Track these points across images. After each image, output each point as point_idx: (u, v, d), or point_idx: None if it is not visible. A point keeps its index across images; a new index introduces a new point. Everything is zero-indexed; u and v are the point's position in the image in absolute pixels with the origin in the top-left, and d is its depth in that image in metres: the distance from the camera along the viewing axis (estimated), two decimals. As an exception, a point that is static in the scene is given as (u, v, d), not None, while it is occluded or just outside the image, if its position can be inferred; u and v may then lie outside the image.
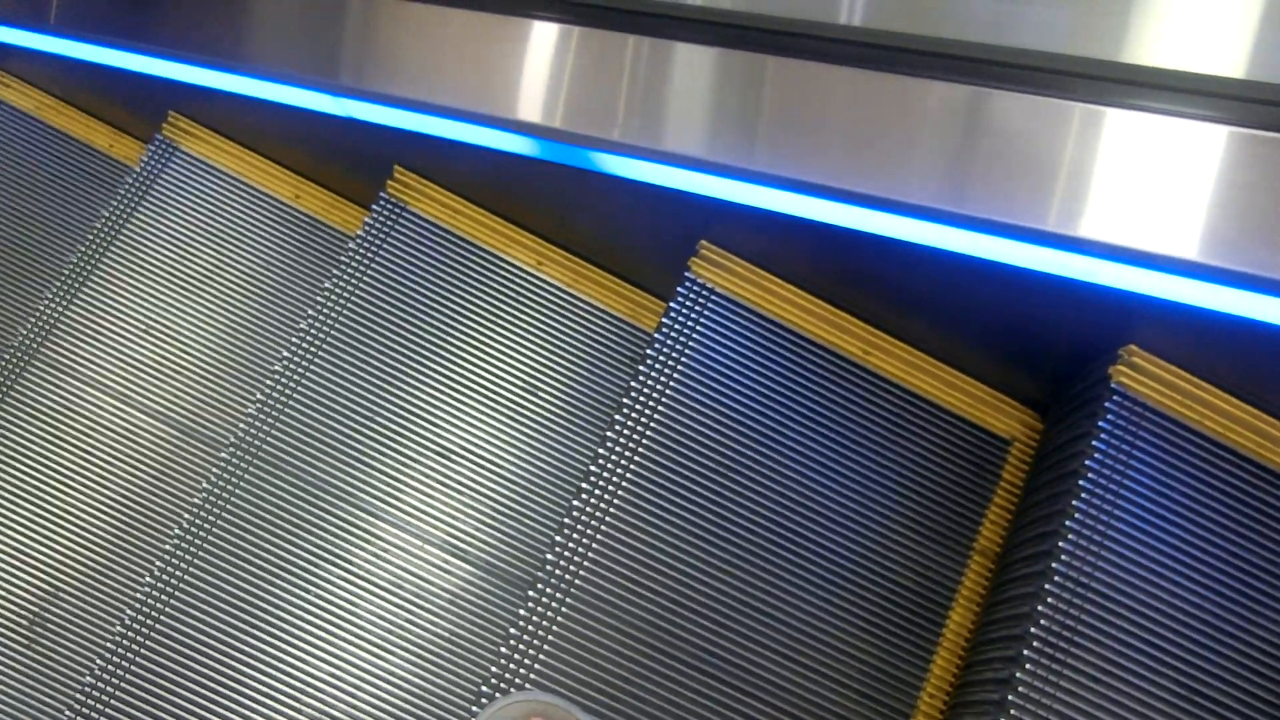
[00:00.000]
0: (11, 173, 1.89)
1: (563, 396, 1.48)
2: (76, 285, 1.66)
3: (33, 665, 1.51)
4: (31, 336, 1.64)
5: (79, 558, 1.55)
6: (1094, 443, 1.11)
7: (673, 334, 1.31)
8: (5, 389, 1.62)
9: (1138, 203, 0.87)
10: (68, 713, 1.32)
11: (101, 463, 1.59)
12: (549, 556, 1.24)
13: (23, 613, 1.53)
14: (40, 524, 1.56)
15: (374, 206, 1.52)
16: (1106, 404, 1.11)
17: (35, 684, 1.50)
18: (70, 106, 1.96)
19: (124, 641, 1.34)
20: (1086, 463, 1.10)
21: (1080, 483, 1.09)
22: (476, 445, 1.45)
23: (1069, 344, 1.21)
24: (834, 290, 1.34)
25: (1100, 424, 1.11)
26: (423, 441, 1.44)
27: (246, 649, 1.35)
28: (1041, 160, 0.89)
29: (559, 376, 1.48)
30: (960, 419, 1.34)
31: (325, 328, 1.47)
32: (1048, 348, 1.24)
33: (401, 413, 1.45)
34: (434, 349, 1.48)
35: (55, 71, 1.89)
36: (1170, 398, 1.12)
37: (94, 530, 1.56)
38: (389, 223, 1.51)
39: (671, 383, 1.30)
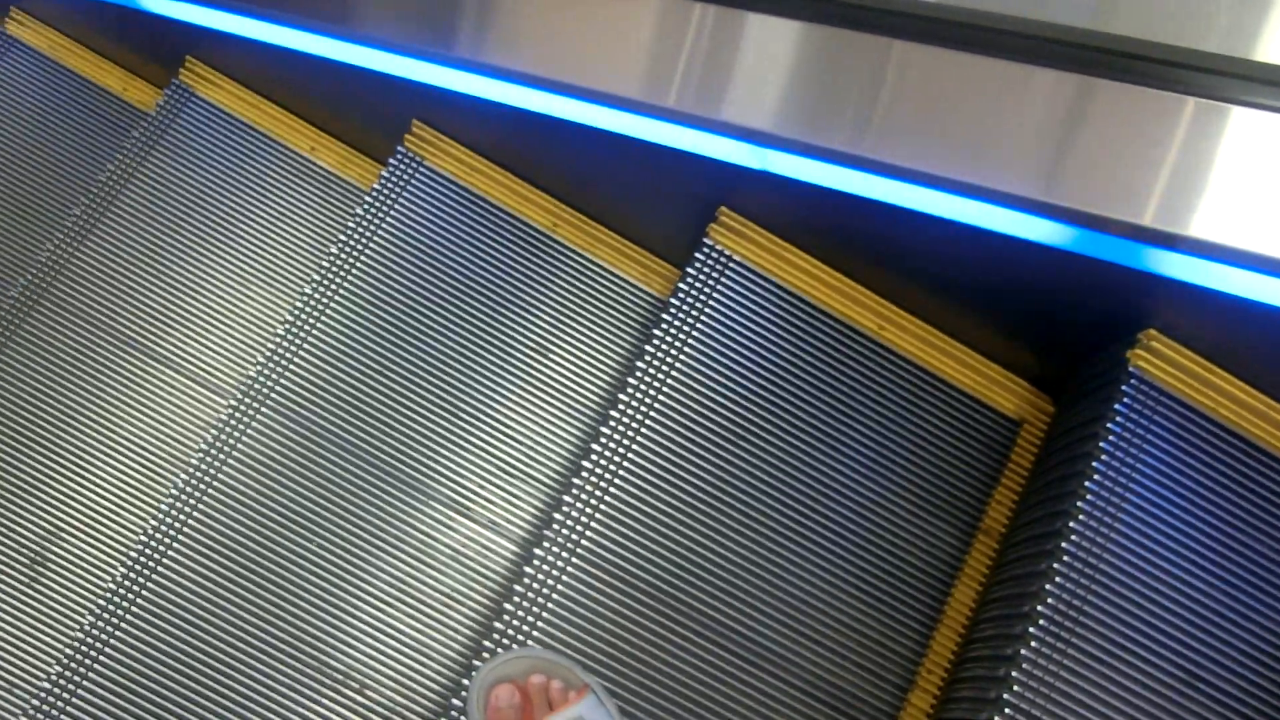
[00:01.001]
0: (24, 113, 1.87)
1: (574, 358, 1.47)
2: (87, 228, 1.65)
3: (33, 603, 1.51)
4: (40, 277, 1.63)
5: (83, 499, 1.55)
6: (1108, 425, 1.10)
7: (689, 300, 1.31)
8: (13, 329, 1.61)
9: (1168, 184, 0.87)
10: (68, 652, 1.32)
11: (107, 406, 1.58)
12: (556, 516, 1.24)
13: (24, 550, 1.53)
14: (44, 463, 1.56)
15: (391, 160, 1.50)
16: (1123, 387, 1.11)
17: (35, 622, 1.50)
18: (84, 47, 1.94)
19: (125, 584, 1.34)
20: (1101, 444, 1.09)
21: (1093, 464, 1.09)
22: (485, 403, 1.44)
23: (1086, 327, 1.21)
24: (850, 263, 1.33)
25: (1116, 407, 1.11)
26: (430, 397, 1.44)
27: (246, 598, 1.35)
28: (1072, 141, 0.89)
29: (570, 338, 1.48)
30: (971, 398, 1.33)
31: (337, 280, 1.46)
32: (1064, 330, 1.24)
33: (410, 368, 1.44)
34: (445, 306, 1.47)
35: (70, 10, 1.87)
36: (1188, 384, 1.12)
37: (98, 472, 1.56)
38: (405, 177, 1.50)
39: (685, 349, 1.29)
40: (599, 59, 1.09)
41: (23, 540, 1.53)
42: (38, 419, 1.58)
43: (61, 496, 1.55)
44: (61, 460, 1.56)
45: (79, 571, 1.53)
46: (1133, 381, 1.12)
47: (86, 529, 1.54)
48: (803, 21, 0.96)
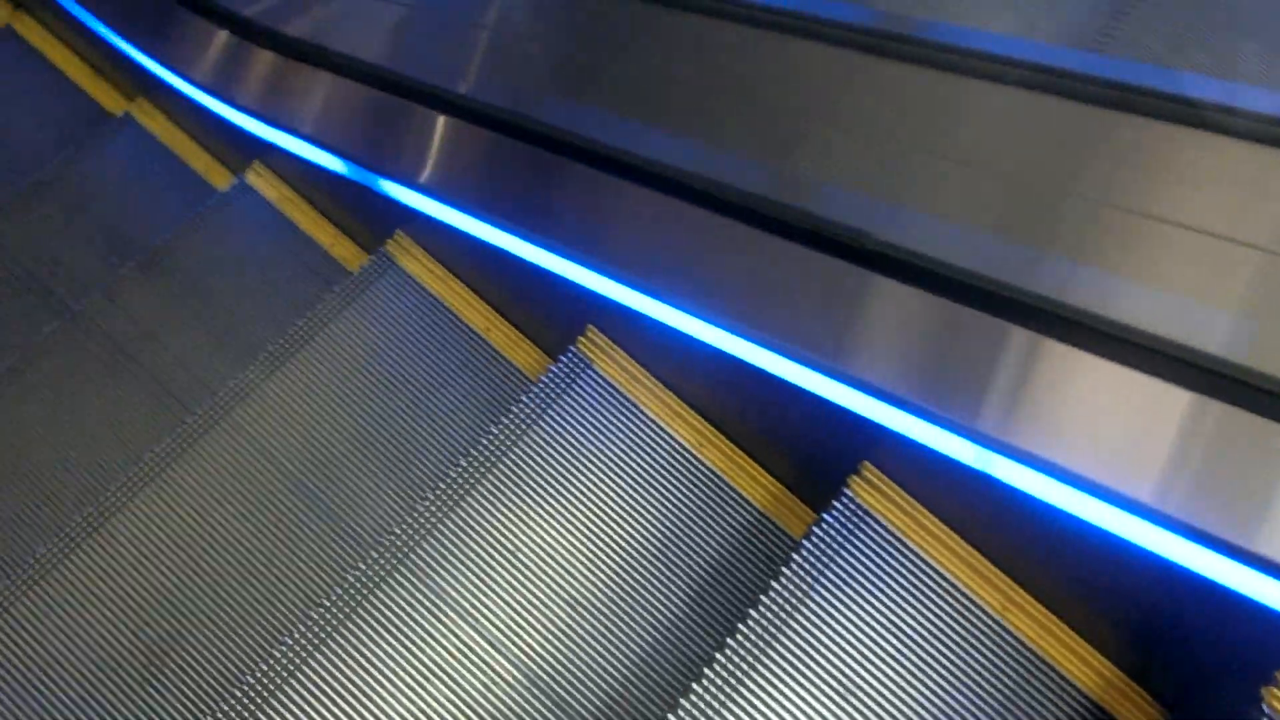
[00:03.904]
0: (241, 251, 2.11)
1: (698, 581, 1.52)
2: (276, 364, 1.82)
3: (141, 702, 1.57)
4: (223, 401, 1.78)
5: (209, 612, 1.63)
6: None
7: (821, 545, 1.35)
8: (187, 446, 1.75)
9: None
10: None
11: (253, 532, 1.69)
12: (660, 737, 1.26)
13: (145, 649, 1.61)
14: (185, 571, 1.66)
15: (561, 357, 1.63)
16: (1254, 726, 1.09)
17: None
18: (306, 203, 2.18)
19: (237, 707, 1.41)
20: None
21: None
22: (601, 603, 1.49)
23: (1212, 659, 1.20)
24: (982, 537, 1.36)
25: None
26: (551, 587, 1.50)
27: (346, 747, 1.39)
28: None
29: (698, 560, 1.53)
30: (1088, 699, 1.31)
31: (489, 464, 1.56)
32: (1186, 653, 1.23)
33: (537, 555, 1.52)
34: (583, 504, 1.55)
35: (302, 171, 2.12)
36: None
37: (232, 593, 1.65)
38: (571, 375, 1.62)
39: (813, 592, 1.33)
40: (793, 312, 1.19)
41: (145, 638, 1.62)
42: (190, 530, 1.69)
43: (190, 605, 1.64)
44: (202, 572, 1.66)
45: (193, 681, 1.59)
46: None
47: (208, 643, 1.62)
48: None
